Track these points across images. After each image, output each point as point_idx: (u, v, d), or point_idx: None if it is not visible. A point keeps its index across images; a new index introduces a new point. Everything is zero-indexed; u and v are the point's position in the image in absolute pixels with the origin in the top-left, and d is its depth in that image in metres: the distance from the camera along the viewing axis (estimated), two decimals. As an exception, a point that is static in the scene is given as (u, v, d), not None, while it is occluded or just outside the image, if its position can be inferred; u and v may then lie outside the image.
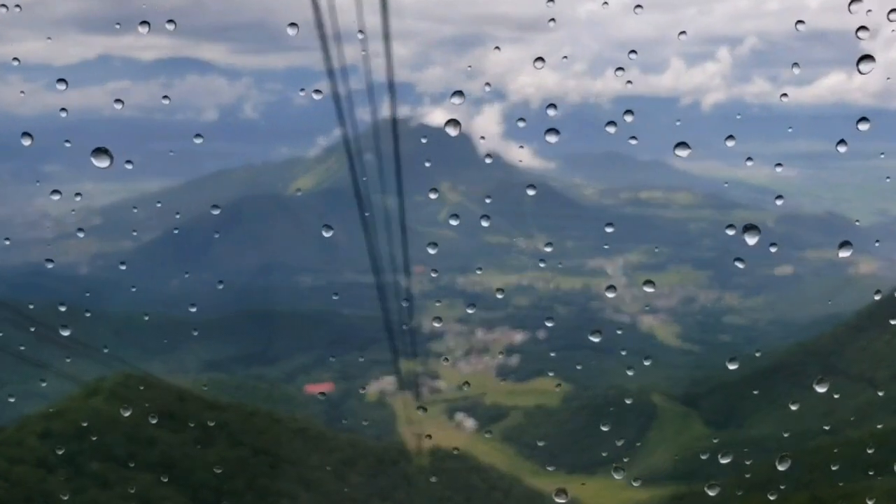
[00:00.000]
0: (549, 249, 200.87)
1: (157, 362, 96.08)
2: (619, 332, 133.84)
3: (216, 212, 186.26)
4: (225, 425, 47.37)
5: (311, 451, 51.53)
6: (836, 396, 72.96)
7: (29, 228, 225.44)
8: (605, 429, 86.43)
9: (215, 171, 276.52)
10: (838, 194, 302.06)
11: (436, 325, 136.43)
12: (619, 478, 77.31)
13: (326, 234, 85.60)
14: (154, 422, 44.08)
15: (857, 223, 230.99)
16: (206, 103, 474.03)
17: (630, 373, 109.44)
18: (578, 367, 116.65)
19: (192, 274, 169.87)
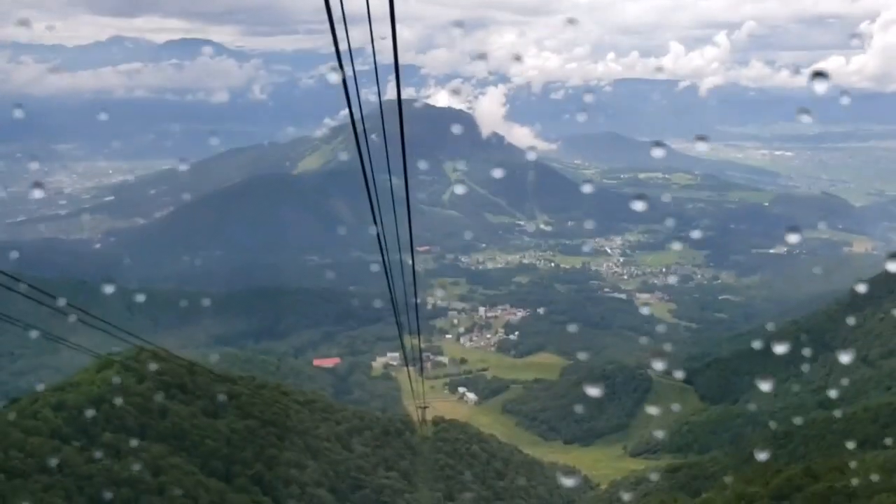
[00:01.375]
0: (549, 229, 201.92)
1: (168, 336, 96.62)
2: (616, 309, 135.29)
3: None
4: (235, 398, 48.20)
5: (318, 423, 52.58)
6: (829, 373, 74.49)
7: (43, 205, 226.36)
8: (601, 402, 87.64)
9: (225, 151, 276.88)
10: (834, 175, 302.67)
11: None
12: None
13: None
14: (165, 394, 44.95)
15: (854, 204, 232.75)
16: (217, 85, 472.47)
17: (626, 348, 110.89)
18: (576, 343, 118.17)
19: (201, 251, 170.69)
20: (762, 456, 38.93)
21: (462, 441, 59.25)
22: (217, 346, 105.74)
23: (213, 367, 67.15)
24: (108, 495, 34.20)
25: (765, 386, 66.08)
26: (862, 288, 71.74)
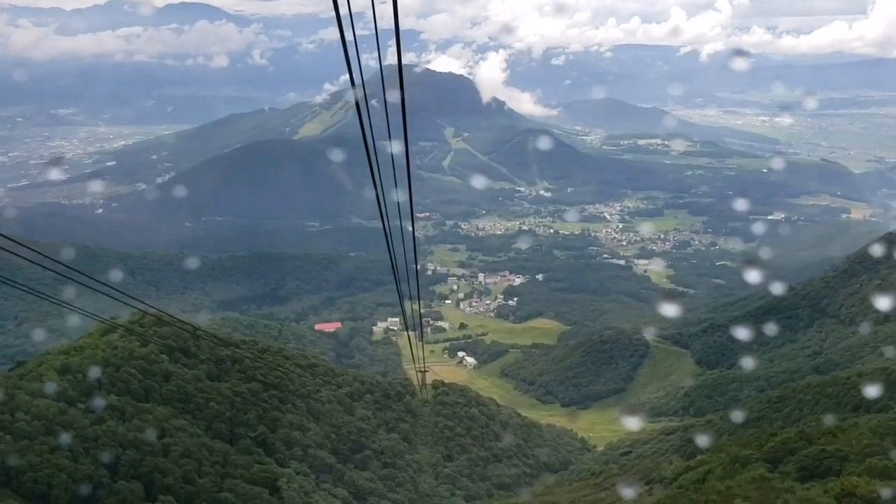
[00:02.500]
0: (549, 195, 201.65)
1: (170, 301, 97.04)
2: (615, 275, 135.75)
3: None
4: (238, 361, 48.68)
5: (319, 386, 53.16)
6: (825, 338, 75.14)
7: (45, 170, 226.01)
8: (598, 367, 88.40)
9: (225, 117, 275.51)
10: (834, 142, 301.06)
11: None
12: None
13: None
14: (169, 357, 45.37)
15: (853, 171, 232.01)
16: (216, 49, 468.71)
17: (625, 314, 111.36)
18: (575, 309, 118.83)
19: (203, 216, 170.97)
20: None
21: (461, 404, 59.85)
22: (219, 310, 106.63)
23: (217, 330, 67.60)
24: (113, 457, 34.59)
25: (761, 351, 66.83)
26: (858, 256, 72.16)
